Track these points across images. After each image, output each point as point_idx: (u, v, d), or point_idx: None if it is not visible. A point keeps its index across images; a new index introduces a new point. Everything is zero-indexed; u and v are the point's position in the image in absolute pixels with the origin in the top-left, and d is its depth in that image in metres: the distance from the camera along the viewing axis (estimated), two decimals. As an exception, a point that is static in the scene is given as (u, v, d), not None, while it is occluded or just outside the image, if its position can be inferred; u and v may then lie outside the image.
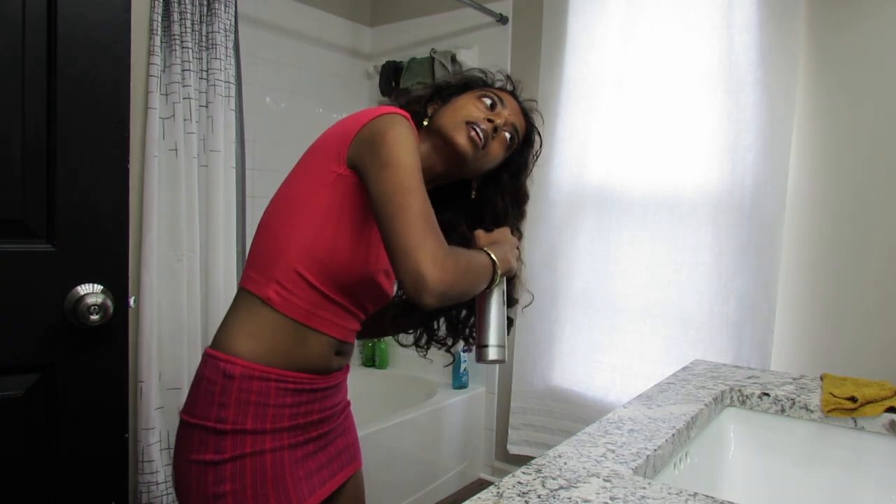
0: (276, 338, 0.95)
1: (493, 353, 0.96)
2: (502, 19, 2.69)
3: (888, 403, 1.03)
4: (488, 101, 1.04)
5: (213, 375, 0.94)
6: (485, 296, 0.97)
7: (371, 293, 1.02)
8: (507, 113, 1.05)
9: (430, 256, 0.81)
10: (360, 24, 3.14)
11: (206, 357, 0.97)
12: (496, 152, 1.05)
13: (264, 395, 0.94)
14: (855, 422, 1.04)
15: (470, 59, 2.74)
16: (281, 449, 0.95)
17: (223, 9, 2.05)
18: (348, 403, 1.16)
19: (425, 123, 1.05)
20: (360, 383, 2.53)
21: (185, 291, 1.98)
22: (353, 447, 1.14)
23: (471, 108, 1.03)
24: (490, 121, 1.02)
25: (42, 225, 1.00)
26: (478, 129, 1.00)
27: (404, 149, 0.88)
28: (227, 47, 2.07)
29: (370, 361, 3.10)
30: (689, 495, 0.68)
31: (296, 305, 0.95)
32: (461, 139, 1.00)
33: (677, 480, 0.90)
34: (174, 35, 1.94)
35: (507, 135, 1.05)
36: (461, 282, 0.84)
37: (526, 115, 1.12)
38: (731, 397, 1.15)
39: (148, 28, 1.90)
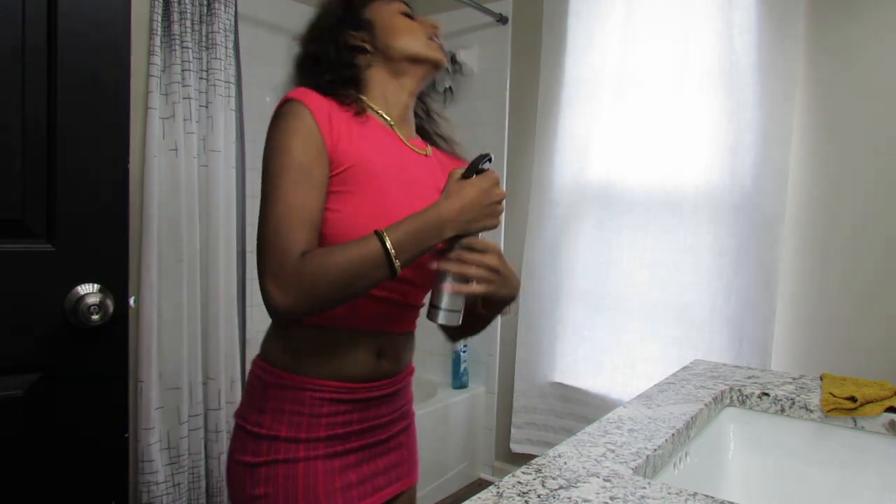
0: (313, 346, 0.94)
1: (440, 317, 0.88)
2: (502, 19, 2.69)
3: (888, 403, 1.03)
4: (406, 10, 1.05)
5: (254, 381, 0.97)
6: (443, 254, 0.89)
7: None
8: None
9: (272, 277, 0.81)
10: (360, 24, 3.14)
11: (253, 361, 1.00)
12: None
13: (298, 404, 0.94)
14: (855, 422, 1.04)
15: (470, 59, 2.74)
16: (315, 458, 0.94)
17: (223, 9, 2.05)
18: (411, 416, 1.10)
19: (372, 65, 1.02)
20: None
21: (185, 291, 1.98)
22: (409, 463, 1.09)
23: (412, 24, 1.03)
24: (433, 27, 1.05)
25: (42, 225, 1.00)
26: (436, 39, 1.03)
27: (280, 146, 0.88)
28: (227, 47, 2.07)
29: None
30: (689, 495, 0.68)
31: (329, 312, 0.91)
32: (438, 54, 1.02)
33: (677, 480, 0.90)
34: (174, 35, 1.94)
35: None
36: (315, 294, 0.81)
37: None
38: (731, 397, 1.15)
39: (148, 28, 1.90)
